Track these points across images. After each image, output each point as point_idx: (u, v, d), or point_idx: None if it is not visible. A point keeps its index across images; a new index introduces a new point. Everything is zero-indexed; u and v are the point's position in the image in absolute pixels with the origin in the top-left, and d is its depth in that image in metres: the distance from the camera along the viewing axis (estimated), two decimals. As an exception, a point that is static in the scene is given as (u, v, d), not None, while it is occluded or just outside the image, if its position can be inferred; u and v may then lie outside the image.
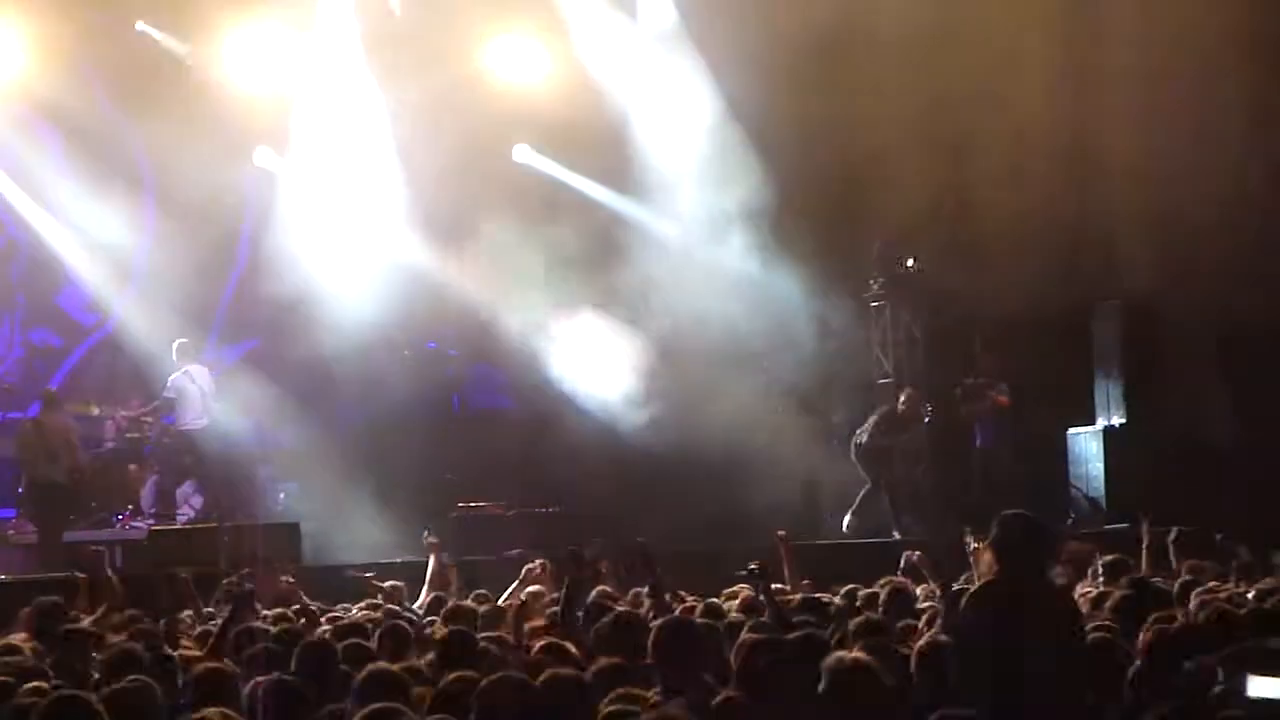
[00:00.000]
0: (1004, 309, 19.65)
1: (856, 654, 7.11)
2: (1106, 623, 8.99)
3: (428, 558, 13.78)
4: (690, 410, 19.43)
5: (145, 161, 20.69)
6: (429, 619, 11.02)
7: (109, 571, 12.47)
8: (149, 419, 19.74)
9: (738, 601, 10.84)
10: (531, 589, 12.04)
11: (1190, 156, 18.86)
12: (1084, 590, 10.96)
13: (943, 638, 8.23)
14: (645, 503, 18.77)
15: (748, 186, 20.22)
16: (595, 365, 20.08)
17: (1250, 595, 10.72)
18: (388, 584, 13.32)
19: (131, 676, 7.33)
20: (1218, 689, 7.37)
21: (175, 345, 19.12)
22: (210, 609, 11.77)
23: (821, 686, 6.73)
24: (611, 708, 6.73)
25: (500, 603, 11.73)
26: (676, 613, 9.71)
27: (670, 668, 7.43)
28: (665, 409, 19.73)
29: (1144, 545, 12.99)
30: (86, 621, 10.40)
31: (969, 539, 11.88)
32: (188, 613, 11.39)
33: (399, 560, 16.22)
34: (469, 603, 11.56)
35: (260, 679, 7.56)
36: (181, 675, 8.22)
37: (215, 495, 19.20)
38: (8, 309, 21.34)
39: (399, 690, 7.06)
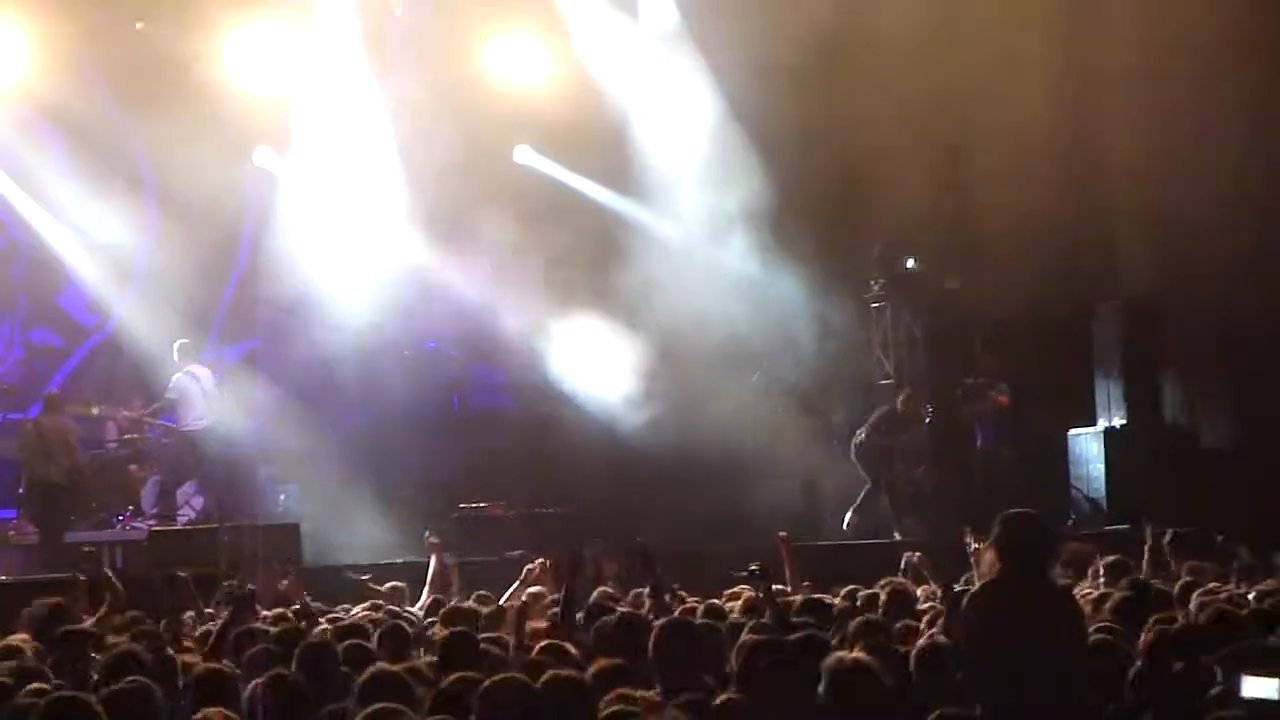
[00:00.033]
0: (1005, 309, 19.67)
1: (856, 654, 7.11)
2: (1107, 623, 9.00)
3: (429, 558, 13.79)
4: (691, 411, 19.44)
5: (146, 162, 20.68)
6: (429, 620, 11.01)
7: (108, 572, 12.48)
8: (151, 419, 19.74)
9: (740, 603, 10.83)
10: (532, 590, 12.04)
11: (1190, 156, 18.86)
12: (1084, 591, 10.97)
13: (942, 639, 8.23)
14: (646, 503, 18.80)
15: (748, 187, 20.22)
16: (596, 366, 20.08)
17: (1251, 596, 10.73)
18: (388, 585, 13.33)
19: (131, 678, 7.32)
20: (1216, 689, 7.37)
21: (176, 346, 19.12)
22: (210, 610, 11.77)
23: (821, 687, 6.73)
24: (611, 709, 6.73)
25: (501, 603, 11.73)
26: (677, 613, 9.70)
27: (671, 668, 7.43)
28: (666, 409, 19.73)
29: (1146, 547, 12.99)
30: (89, 622, 10.40)
31: (969, 539, 11.88)
32: (189, 614, 11.39)
33: (400, 561, 16.23)
34: (470, 604, 11.57)
35: (260, 679, 7.56)
36: (181, 676, 8.22)
37: (216, 496, 19.20)
38: (8, 310, 21.33)
39: (401, 691, 7.06)
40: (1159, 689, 7.71)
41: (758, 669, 7.29)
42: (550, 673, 6.88)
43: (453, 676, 7.12)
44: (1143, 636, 8.24)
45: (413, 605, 12.49)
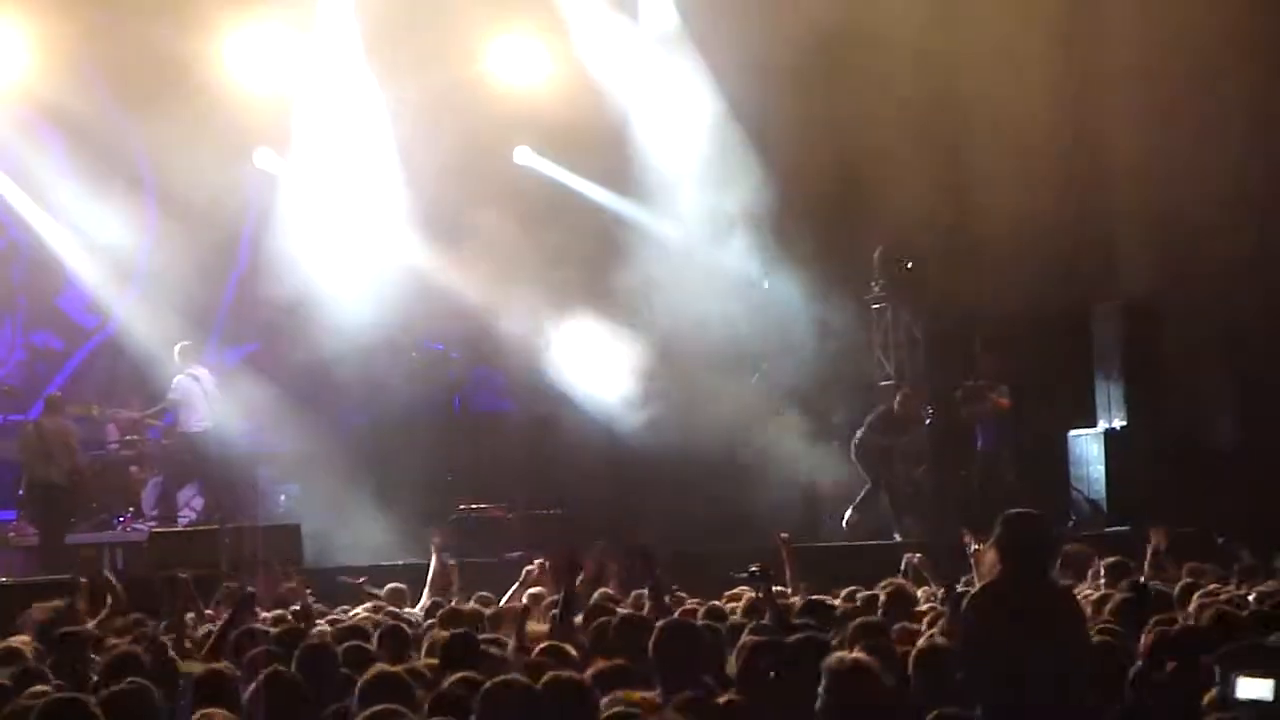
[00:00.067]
0: (1005, 310, 19.66)
1: (856, 654, 7.11)
2: (1108, 625, 9.00)
3: (430, 558, 13.78)
4: (690, 412, 19.43)
5: (146, 162, 20.67)
6: (429, 622, 11.01)
7: (107, 574, 12.48)
8: (152, 421, 19.74)
9: (741, 604, 10.83)
10: (532, 591, 12.04)
11: (1190, 156, 18.87)
12: (1084, 593, 10.96)
13: (941, 640, 8.22)
14: (645, 504, 18.79)
15: (748, 187, 20.22)
16: (596, 367, 20.08)
17: (1251, 598, 10.72)
18: (389, 587, 13.33)
19: (129, 679, 7.32)
20: (1214, 690, 7.37)
21: (178, 348, 19.10)
22: (210, 611, 11.77)
23: (821, 687, 6.73)
24: (612, 710, 6.73)
25: (501, 604, 11.73)
26: (677, 614, 9.70)
27: (671, 669, 7.43)
28: (665, 410, 19.72)
29: (1150, 548, 12.98)
30: (92, 624, 10.41)
31: (968, 540, 11.88)
32: (190, 615, 11.38)
33: (400, 563, 16.23)
34: (471, 605, 11.56)
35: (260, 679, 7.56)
36: (182, 678, 8.21)
37: (216, 497, 19.19)
38: (9, 311, 21.33)
39: (402, 692, 7.05)
40: (1159, 690, 7.71)
41: (758, 670, 7.29)
42: (551, 674, 6.88)
43: (453, 678, 7.12)
44: (1144, 637, 8.25)
45: (414, 606, 12.50)
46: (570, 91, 20.49)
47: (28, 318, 21.43)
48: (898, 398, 19.89)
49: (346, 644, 8.86)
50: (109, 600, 11.45)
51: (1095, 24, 20.00)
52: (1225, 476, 18.60)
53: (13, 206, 20.43)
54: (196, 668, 8.36)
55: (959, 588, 10.11)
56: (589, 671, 7.63)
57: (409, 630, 9.69)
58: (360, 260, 20.12)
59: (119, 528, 19.16)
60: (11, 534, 18.86)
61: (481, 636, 9.30)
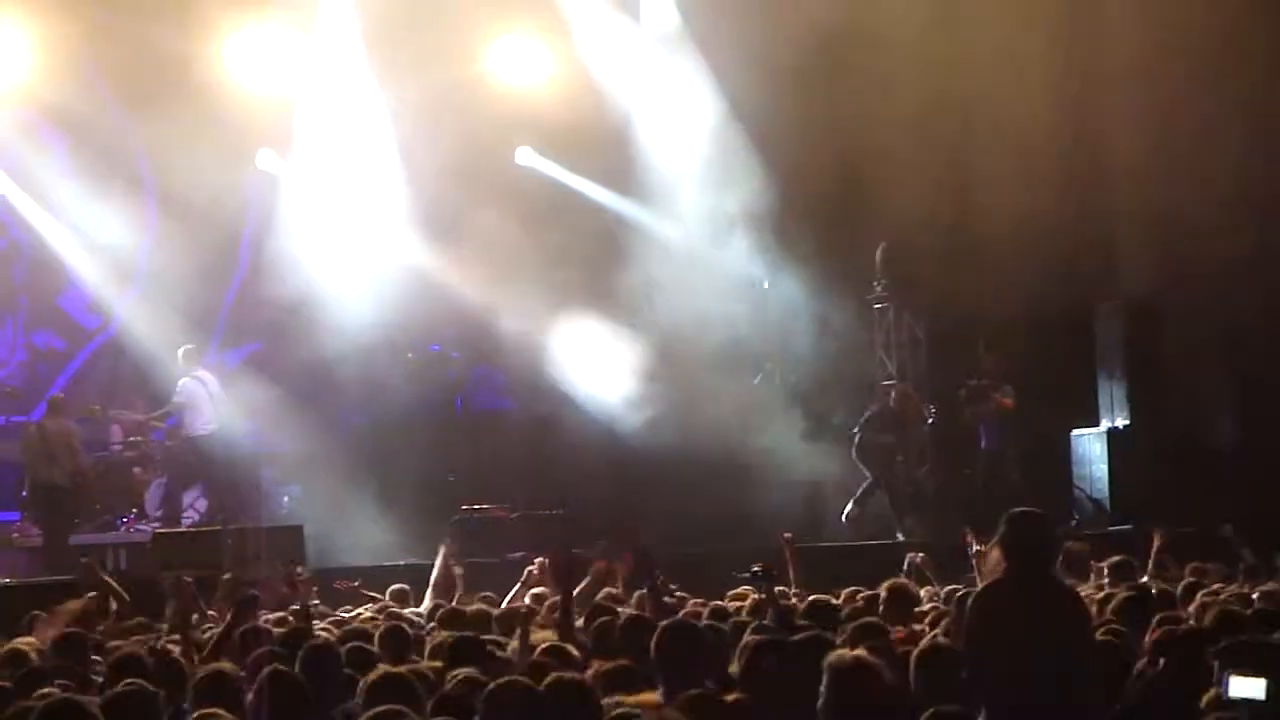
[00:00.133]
0: (1006, 310, 19.67)
1: (858, 653, 7.11)
2: (1111, 624, 9.00)
3: (435, 560, 13.76)
4: (691, 412, 19.44)
5: (147, 163, 20.67)
6: (430, 624, 11.01)
7: (107, 579, 12.48)
8: (156, 422, 19.74)
9: (745, 604, 10.83)
10: (534, 591, 12.04)
11: (1190, 156, 18.88)
12: (1087, 592, 10.96)
13: (942, 640, 8.23)
14: (647, 505, 18.78)
15: (749, 188, 20.23)
16: (597, 367, 20.08)
17: (1255, 597, 10.72)
18: (393, 588, 13.33)
19: (130, 680, 7.32)
20: (1214, 690, 7.37)
21: (181, 352, 19.08)
22: (213, 611, 11.77)
23: (823, 685, 6.73)
24: (615, 711, 6.74)
25: (503, 605, 11.73)
26: (679, 614, 9.70)
27: (673, 669, 7.43)
28: (666, 410, 19.73)
29: (1154, 549, 12.98)
30: (101, 627, 10.41)
31: (970, 540, 11.89)
32: (194, 616, 11.38)
33: (401, 563, 16.24)
34: (475, 605, 11.56)
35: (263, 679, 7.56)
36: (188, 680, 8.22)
37: (219, 498, 19.19)
38: (10, 311, 21.33)
39: (407, 693, 7.06)
40: (1161, 689, 7.71)
41: (760, 669, 7.29)
42: (554, 675, 6.88)
43: (457, 679, 7.12)
44: (1148, 636, 8.25)
45: (417, 607, 12.50)
46: (571, 92, 20.50)
47: (29, 318, 21.42)
48: (893, 394, 19.94)
49: (349, 645, 8.86)
50: (113, 605, 11.45)
51: (1095, 24, 20.01)
52: (1226, 476, 18.61)
53: (14, 206, 20.43)
54: (201, 669, 8.37)
55: (962, 588, 10.12)
56: (591, 672, 7.63)
57: (409, 631, 9.69)
58: (362, 261, 20.13)
59: (122, 529, 19.17)
60: (15, 535, 18.87)
61: (485, 638, 9.31)
